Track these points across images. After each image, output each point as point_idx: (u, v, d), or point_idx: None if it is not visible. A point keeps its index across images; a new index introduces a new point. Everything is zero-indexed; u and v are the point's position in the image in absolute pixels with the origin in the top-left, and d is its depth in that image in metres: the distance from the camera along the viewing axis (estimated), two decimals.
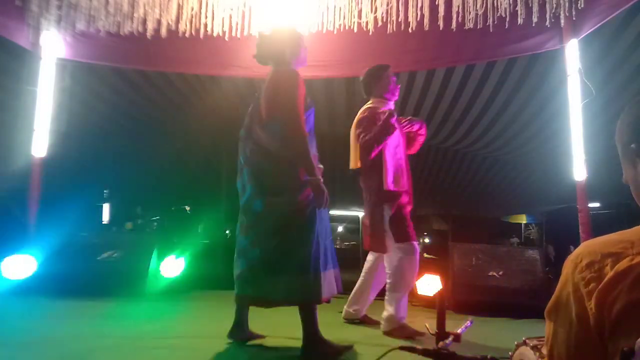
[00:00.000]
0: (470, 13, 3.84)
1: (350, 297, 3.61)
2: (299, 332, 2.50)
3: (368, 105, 3.42)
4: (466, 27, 3.87)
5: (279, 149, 2.46)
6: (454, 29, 3.88)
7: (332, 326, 3.24)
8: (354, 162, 3.44)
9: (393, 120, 3.21)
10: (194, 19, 4.11)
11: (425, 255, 6.99)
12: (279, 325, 3.27)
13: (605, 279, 0.65)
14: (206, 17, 4.09)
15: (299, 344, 2.48)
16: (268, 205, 2.47)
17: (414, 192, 3.43)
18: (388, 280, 3.21)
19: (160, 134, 7.13)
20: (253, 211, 2.52)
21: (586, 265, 0.69)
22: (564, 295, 0.72)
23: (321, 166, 2.63)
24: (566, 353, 0.71)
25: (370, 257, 3.58)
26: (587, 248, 0.72)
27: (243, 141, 2.62)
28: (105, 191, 9.98)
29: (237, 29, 4.12)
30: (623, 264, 0.65)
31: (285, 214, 2.45)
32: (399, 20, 3.93)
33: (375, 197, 3.25)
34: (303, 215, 2.44)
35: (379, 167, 3.23)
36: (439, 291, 3.04)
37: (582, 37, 4.00)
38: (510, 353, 1.37)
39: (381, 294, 3.42)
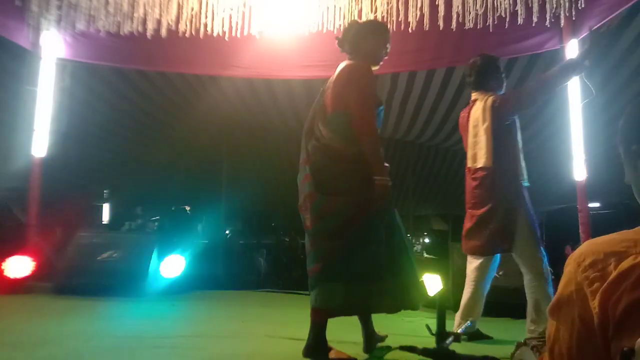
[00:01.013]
0: (470, 13, 3.84)
1: (462, 311, 3.07)
2: (298, 332, 2.50)
3: (491, 96, 2.99)
4: (466, 27, 3.87)
5: (342, 145, 2.28)
6: (454, 29, 3.88)
7: (330, 326, 3.24)
8: (488, 159, 2.95)
9: None
10: (194, 19, 4.11)
11: (425, 255, 6.99)
12: (279, 325, 3.27)
13: (609, 278, 0.65)
14: (206, 17, 4.09)
15: (298, 344, 2.48)
16: (327, 206, 2.27)
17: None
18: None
19: (160, 134, 7.13)
20: (311, 212, 2.31)
21: (589, 265, 0.69)
22: (566, 294, 0.72)
23: (387, 164, 2.36)
24: (568, 352, 0.70)
25: (475, 263, 3.08)
26: (590, 247, 0.72)
27: (305, 137, 2.41)
28: (105, 191, 9.99)
29: (237, 29, 4.12)
30: (626, 262, 0.65)
31: (346, 215, 2.24)
32: (399, 20, 3.93)
33: (513, 194, 2.91)
34: (365, 217, 2.23)
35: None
36: (439, 291, 3.04)
37: (582, 37, 4.00)
38: (510, 353, 1.38)
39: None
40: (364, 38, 2.46)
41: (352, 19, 3.99)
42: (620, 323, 0.62)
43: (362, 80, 2.29)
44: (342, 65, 2.43)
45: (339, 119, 2.29)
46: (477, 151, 3.00)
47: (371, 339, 2.52)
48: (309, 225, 2.33)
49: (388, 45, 2.51)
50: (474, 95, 3.14)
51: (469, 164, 3.06)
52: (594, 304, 0.65)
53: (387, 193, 2.22)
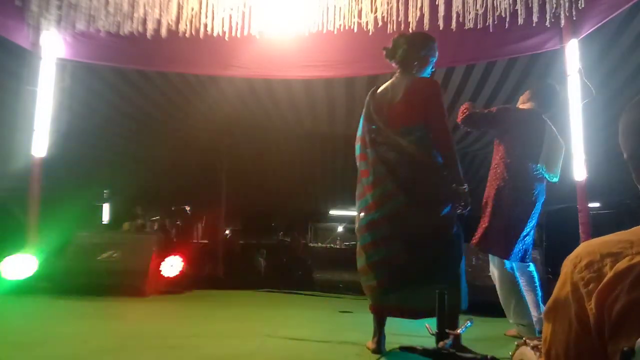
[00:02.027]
0: (470, 13, 3.84)
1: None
2: (299, 332, 2.50)
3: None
4: (466, 27, 3.87)
5: (428, 157, 2.42)
6: (454, 29, 3.87)
7: (331, 326, 3.24)
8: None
9: None
10: (194, 19, 4.10)
11: None
12: (279, 325, 3.27)
13: (605, 279, 0.65)
14: (206, 17, 4.09)
15: (298, 344, 2.48)
16: (419, 216, 2.40)
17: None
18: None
19: (160, 134, 7.13)
20: (401, 222, 2.41)
21: (585, 266, 0.69)
22: (562, 296, 0.72)
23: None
24: (565, 353, 0.70)
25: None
26: (586, 248, 0.72)
27: (373, 145, 2.51)
28: (105, 191, 9.99)
29: (237, 29, 4.11)
30: (622, 263, 0.65)
31: (437, 224, 2.40)
32: (399, 20, 3.93)
33: None
34: (452, 225, 2.43)
35: None
36: (439, 291, 3.03)
37: (582, 37, 4.00)
38: (510, 353, 1.37)
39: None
40: (419, 51, 2.59)
41: (352, 19, 4.00)
42: (616, 324, 0.62)
43: (440, 96, 2.48)
44: (406, 79, 2.54)
45: (420, 132, 2.43)
46: None
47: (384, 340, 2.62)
48: (396, 235, 2.41)
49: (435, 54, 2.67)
50: None
51: None
52: (590, 305, 0.65)
53: (468, 201, 2.42)
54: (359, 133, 2.66)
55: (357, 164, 2.65)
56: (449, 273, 2.37)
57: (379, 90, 2.63)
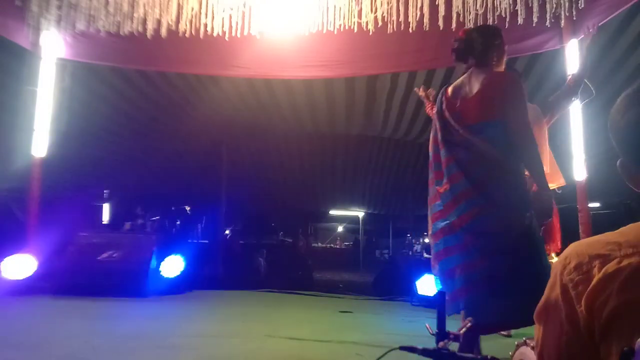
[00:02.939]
0: (470, 13, 3.84)
1: None
2: (299, 332, 2.50)
3: None
4: (466, 27, 3.87)
5: (503, 156, 2.20)
6: (454, 29, 3.87)
7: (331, 326, 3.25)
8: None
9: None
10: (194, 19, 4.10)
11: (425, 255, 6.99)
12: (279, 325, 3.27)
13: (594, 281, 0.65)
14: (206, 17, 4.09)
15: (298, 343, 2.48)
16: (497, 222, 2.17)
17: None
18: None
19: (160, 134, 7.14)
20: (477, 228, 2.19)
21: (574, 267, 0.69)
22: (553, 297, 0.72)
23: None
24: (556, 355, 0.70)
25: None
26: (574, 249, 0.72)
27: (446, 145, 2.31)
28: (105, 191, 9.97)
29: (237, 29, 4.12)
30: (611, 266, 0.65)
31: (518, 230, 2.15)
32: (399, 20, 3.93)
33: None
34: (534, 232, 2.19)
35: None
36: (439, 291, 3.04)
37: (582, 37, 4.00)
38: (510, 353, 1.37)
39: None
40: (495, 40, 2.40)
41: (352, 19, 4.00)
42: (607, 326, 0.63)
43: (520, 88, 2.24)
44: (483, 72, 2.34)
45: (496, 128, 2.21)
46: None
47: None
48: (472, 242, 2.20)
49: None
50: None
51: None
52: (580, 307, 0.66)
53: (551, 206, 2.21)
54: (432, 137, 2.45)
55: (430, 168, 2.43)
56: (527, 286, 2.09)
57: (451, 88, 2.44)
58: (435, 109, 2.46)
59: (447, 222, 2.26)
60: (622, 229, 0.71)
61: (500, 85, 2.26)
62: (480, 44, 2.37)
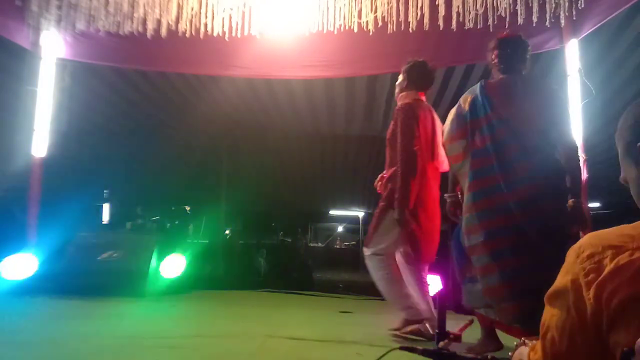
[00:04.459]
0: (470, 13, 3.84)
1: None
2: (299, 332, 2.50)
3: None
4: (466, 27, 3.87)
5: (564, 163, 2.27)
6: (454, 29, 3.87)
7: (331, 326, 3.24)
8: None
9: None
10: (194, 19, 4.10)
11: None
12: (279, 325, 3.27)
13: (605, 271, 0.67)
14: (206, 17, 4.09)
15: (298, 344, 2.48)
16: (556, 233, 2.20)
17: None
18: None
19: (160, 134, 7.14)
20: (545, 224, 2.20)
21: (587, 256, 0.71)
22: (563, 284, 0.74)
23: None
24: (559, 338, 0.73)
25: None
26: (589, 239, 0.74)
27: (525, 150, 2.28)
28: (105, 191, 9.98)
29: (237, 29, 4.12)
30: (623, 257, 0.66)
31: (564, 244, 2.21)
32: (399, 20, 3.93)
33: None
34: (566, 240, 2.18)
35: None
36: (439, 291, 3.03)
37: (582, 37, 4.00)
38: (510, 353, 1.37)
39: None
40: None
41: (352, 19, 4.00)
42: (615, 317, 0.64)
43: (565, 97, 2.52)
44: (529, 78, 2.52)
45: (551, 133, 2.30)
46: None
47: None
48: (532, 238, 2.19)
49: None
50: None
51: None
52: (589, 295, 0.67)
53: (585, 219, 2.30)
54: (452, 130, 2.49)
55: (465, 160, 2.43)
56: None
57: (497, 84, 2.47)
58: (469, 102, 2.53)
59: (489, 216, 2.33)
60: (637, 222, 0.72)
61: (549, 92, 2.46)
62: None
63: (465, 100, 2.47)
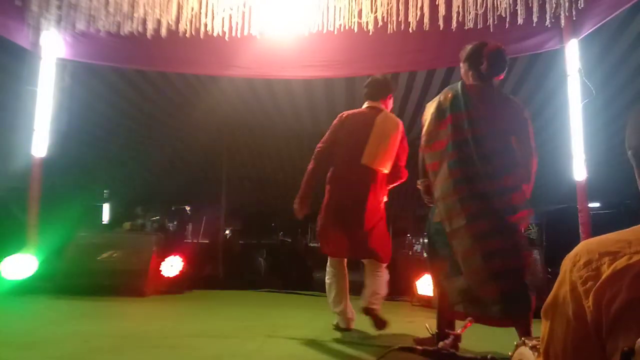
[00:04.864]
0: (470, 13, 3.84)
1: None
2: (298, 332, 2.50)
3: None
4: (466, 27, 3.87)
5: (520, 159, 2.52)
6: (454, 29, 3.87)
7: (331, 326, 3.24)
8: None
9: None
10: (194, 19, 4.10)
11: (426, 255, 6.98)
12: (279, 325, 3.27)
13: (603, 277, 0.66)
14: (206, 17, 4.09)
15: (298, 344, 2.48)
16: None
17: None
18: None
19: (160, 134, 7.14)
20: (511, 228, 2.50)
21: (584, 264, 0.69)
22: (561, 294, 0.72)
23: None
24: (563, 351, 0.71)
25: None
26: (585, 247, 0.72)
27: (500, 147, 2.54)
28: (105, 191, 9.99)
29: (237, 29, 4.11)
30: (621, 262, 0.65)
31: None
32: (399, 20, 3.93)
33: None
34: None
35: None
36: (439, 291, 3.03)
37: (582, 37, 4.00)
38: (510, 353, 1.37)
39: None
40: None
41: (352, 19, 4.00)
42: (614, 322, 0.63)
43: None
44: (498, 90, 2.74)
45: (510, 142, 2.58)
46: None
47: None
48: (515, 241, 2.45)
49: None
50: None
51: None
52: (588, 303, 0.66)
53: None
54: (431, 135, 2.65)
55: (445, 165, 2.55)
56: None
57: (474, 88, 2.62)
58: (448, 106, 2.69)
59: (462, 223, 2.49)
60: (633, 227, 0.71)
61: (518, 108, 2.66)
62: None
63: (445, 96, 2.63)
